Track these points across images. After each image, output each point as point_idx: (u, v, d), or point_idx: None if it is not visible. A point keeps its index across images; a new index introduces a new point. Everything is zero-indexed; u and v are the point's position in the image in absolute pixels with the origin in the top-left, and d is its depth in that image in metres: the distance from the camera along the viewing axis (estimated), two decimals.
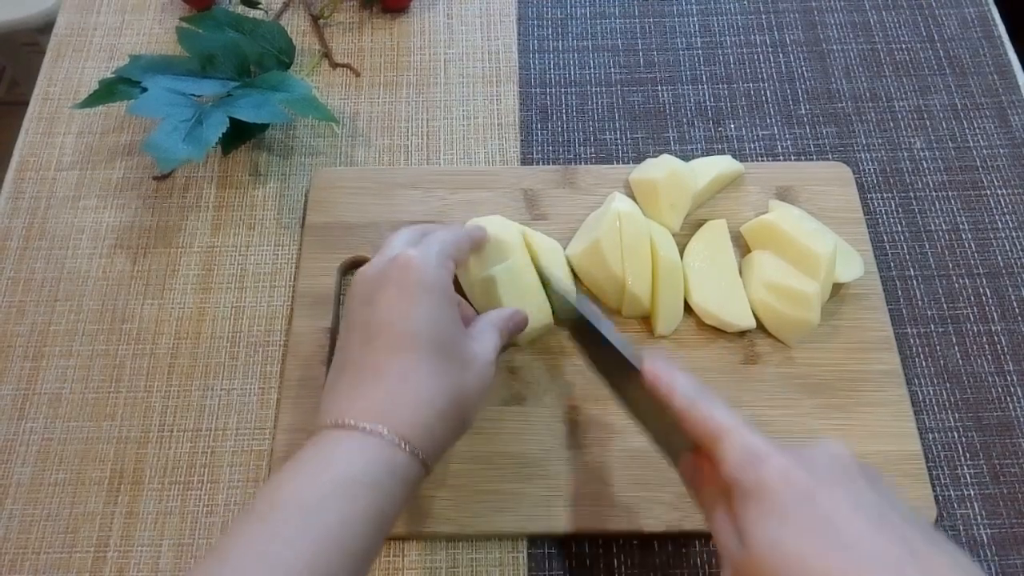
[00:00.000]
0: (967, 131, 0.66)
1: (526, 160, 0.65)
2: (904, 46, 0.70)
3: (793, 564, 0.34)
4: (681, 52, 0.70)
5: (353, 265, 0.59)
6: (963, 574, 0.33)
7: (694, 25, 0.72)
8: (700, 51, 0.70)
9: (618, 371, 0.46)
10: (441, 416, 0.42)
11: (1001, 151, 0.65)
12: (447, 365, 0.43)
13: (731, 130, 0.66)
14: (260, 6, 0.71)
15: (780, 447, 0.37)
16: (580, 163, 0.65)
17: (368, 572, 0.38)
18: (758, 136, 0.66)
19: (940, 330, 0.58)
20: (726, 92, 0.68)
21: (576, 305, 0.50)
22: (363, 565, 0.38)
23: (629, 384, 0.45)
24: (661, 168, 0.59)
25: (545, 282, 0.53)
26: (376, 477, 0.39)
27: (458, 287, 0.55)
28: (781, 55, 0.70)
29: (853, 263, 0.57)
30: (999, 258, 0.61)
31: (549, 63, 0.70)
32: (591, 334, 0.48)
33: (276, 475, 0.39)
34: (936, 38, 0.71)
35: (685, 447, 0.41)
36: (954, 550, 0.34)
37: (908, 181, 0.64)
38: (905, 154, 0.65)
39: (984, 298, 0.59)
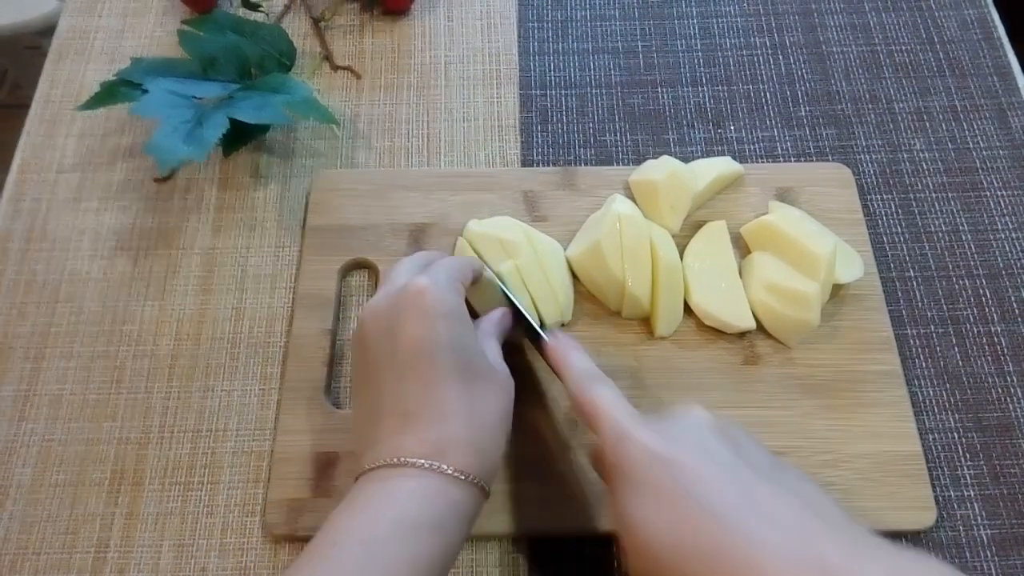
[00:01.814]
0: (967, 133, 0.66)
1: (526, 162, 0.65)
2: (904, 48, 0.71)
3: (661, 534, 0.34)
4: (681, 54, 0.70)
5: (354, 267, 0.59)
6: (805, 510, 0.35)
7: (694, 27, 0.72)
8: (700, 53, 0.70)
9: (533, 339, 0.47)
10: (491, 435, 0.42)
11: (1001, 152, 0.65)
12: (481, 386, 0.43)
13: (731, 132, 0.66)
14: (261, 9, 0.71)
15: (646, 422, 0.38)
16: (580, 165, 0.65)
17: None
18: (758, 137, 0.66)
19: (940, 331, 0.58)
20: (726, 94, 0.68)
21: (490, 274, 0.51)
22: None
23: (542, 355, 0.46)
24: (661, 169, 0.59)
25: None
26: (440, 516, 0.38)
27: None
28: (781, 57, 0.70)
29: (853, 264, 0.57)
30: (999, 259, 0.61)
31: (549, 65, 0.70)
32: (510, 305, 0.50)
33: (333, 517, 0.39)
34: (936, 40, 0.71)
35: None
36: (803, 489, 0.36)
37: (908, 182, 0.64)
38: (905, 155, 0.65)
39: (984, 299, 0.59)
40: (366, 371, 0.45)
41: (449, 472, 0.39)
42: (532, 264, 0.54)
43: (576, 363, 0.42)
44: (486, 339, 0.48)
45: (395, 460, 0.40)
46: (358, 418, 0.45)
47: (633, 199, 0.60)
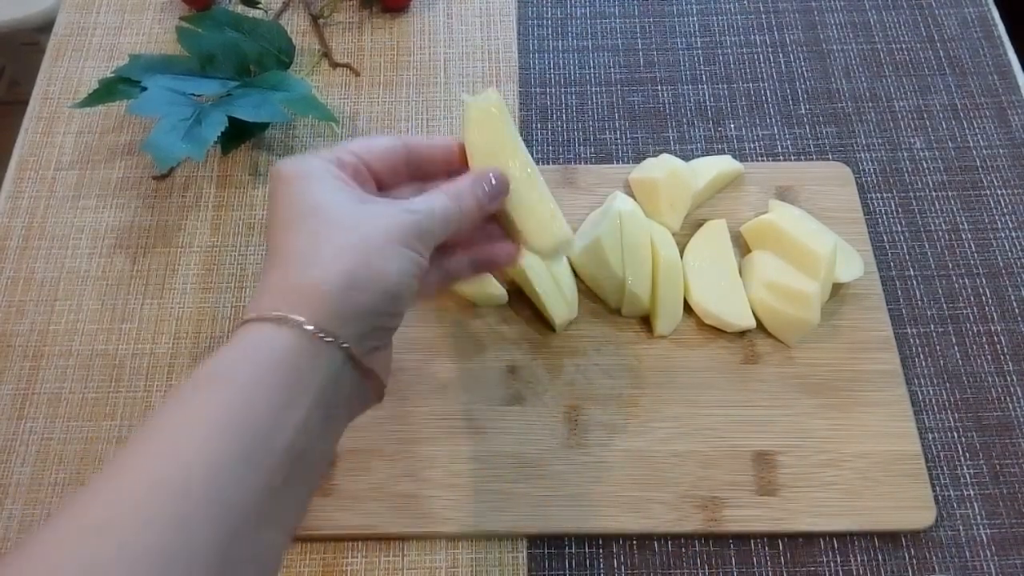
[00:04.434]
0: (967, 131, 0.66)
1: None
2: (904, 46, 0.70)
3: None
4: (681, 52, 0.70)
5: None
6: None
7: (694, 25, 0.72)
8: (700, 51, 0.70)
9: None
10: (346, 288, 0.35)
11: (1001, 151, 0.65)
12: (344, 228, 0.37)
13: (731, 130, 0.66)
14: (260, 6, 0.71)
15: None
16: (580, 163, 0.65)
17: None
18: (758, 136, 0.66)
19: (940, 330, 0.58)
20: (726, 92, 0.68)
21: None
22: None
23: None
24: (661, 168, 0.59)
25: None
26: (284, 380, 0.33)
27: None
28: (781, 55, 0.70)
29: (853, 263, 0.57)
30: (999, 258, 0.61)
31: (549, 63, 0.70)
32: None
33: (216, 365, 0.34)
34: (936, 38, 0.71)
35: None
36: None
37: (908, 181, 0.64)
38: (905, 154, 0.65)
39: (984, 298, 0.59)
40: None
41: (290, 320, 0.34)
42: (538, 264, 0.54)
43: None
44: (434, 195, 0.40)
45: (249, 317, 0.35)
46: None
47: (633, 197, 0.60)
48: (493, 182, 0.43)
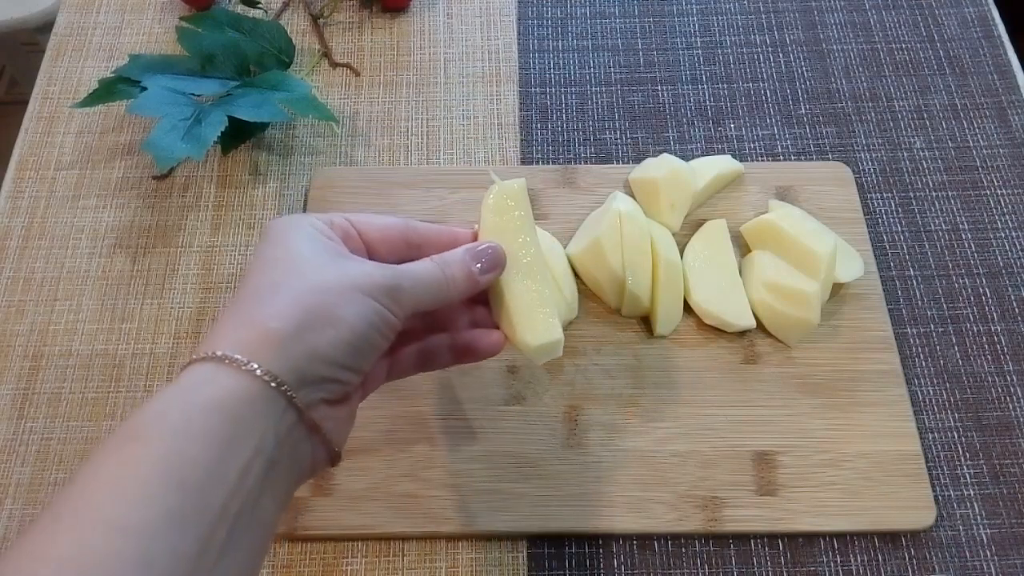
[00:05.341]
0: (967, 131, 0.66)
1: (526, 160, 0.65)
2: (904, 46, 0.70)
3: None
4: (681, 52, 0.70)
5: None
6: None
7: (694, 25, 0.72)
8: (700, 51, 0.70)
9: None
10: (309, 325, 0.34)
11: (1001, 151, 0.65)
12: (303, 273, 0.36)
13: (731, 130, 0.66)
14: (260, 5, 0.71)
15: None
16: (580, 163, 0.65)
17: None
18: (758, 136, 0.66)
19: (940, 330, 0.58)
20: (726, 92, 0.68)
21: None
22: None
23: None
24: (661, 167, 0.59)
25: None
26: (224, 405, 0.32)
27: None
28: (781, 55, 0.70)
29: (853, 263, 0.57)
30: (999, 258, 0.61)
31: (549, 63, 0.70)
32: None
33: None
34: (936, 38, 0.71)
35: None
36: None
37: (908, 181, 0.64)
38: (905, 154, 0.65)
39: (984, 298, 0.59)
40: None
41: (243, 366, 0.32)
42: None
43: None
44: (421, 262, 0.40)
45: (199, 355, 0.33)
46: None
47: (633, 197, 0.60)
48: (488, 254, 0.42)
